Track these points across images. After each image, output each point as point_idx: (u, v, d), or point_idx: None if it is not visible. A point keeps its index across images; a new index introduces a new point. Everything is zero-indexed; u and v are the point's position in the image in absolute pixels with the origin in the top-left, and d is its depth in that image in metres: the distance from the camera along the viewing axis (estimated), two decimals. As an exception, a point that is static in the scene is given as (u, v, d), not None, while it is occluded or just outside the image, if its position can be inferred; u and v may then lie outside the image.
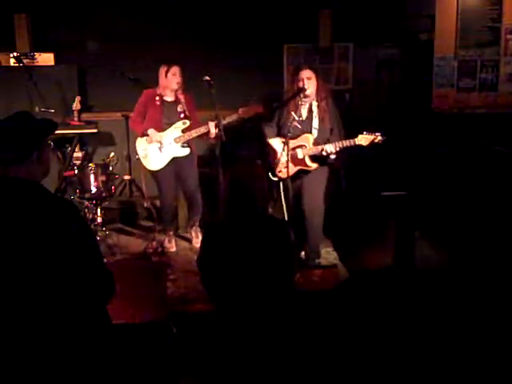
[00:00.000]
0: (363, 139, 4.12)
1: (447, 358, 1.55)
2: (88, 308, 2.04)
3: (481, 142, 5.65)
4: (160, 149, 4.85)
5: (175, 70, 4.78)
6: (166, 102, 4.88)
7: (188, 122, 4.85)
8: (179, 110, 4.88)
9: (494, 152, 5.41)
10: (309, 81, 4.23)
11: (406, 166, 5.84)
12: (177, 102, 4.89)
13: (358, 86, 6.73)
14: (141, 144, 4.92)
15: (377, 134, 4.11)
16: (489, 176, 5.14)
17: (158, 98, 4.83)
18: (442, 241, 4.66)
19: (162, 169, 4.90)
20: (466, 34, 6.35)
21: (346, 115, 4.47)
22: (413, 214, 4.36)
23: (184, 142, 4.88)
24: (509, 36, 6.39)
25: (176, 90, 4.85)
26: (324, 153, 4.22)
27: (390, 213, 1.72)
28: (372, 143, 4.12)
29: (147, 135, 4.86)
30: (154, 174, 4.98)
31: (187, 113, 4.88)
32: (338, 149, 4.19)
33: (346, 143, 4.18)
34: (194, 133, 4.81)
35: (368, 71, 6.77)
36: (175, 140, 4.85)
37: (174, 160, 4.90)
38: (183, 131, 4.85)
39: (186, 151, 4.91)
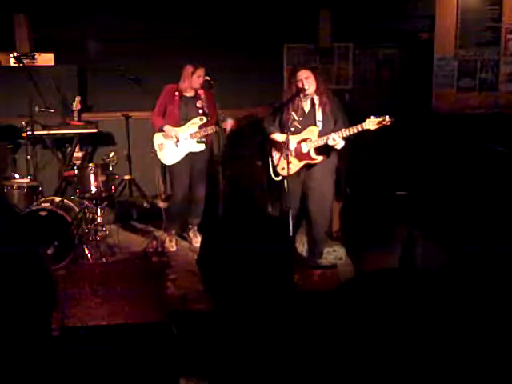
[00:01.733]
0: (370, 123, 4.08)
1: (448, 358, 1.54)
2: (22, 319, 1.94)
3: (482, 142, 5.65)
4: (176, 143, 4.87)
5: (201, 72, 4.81)
6: (185, 97, 4.89)
7: (205, 119, 4.88)
8: (198, 105, 4.90)
9: (494, 152, 5.41)
10: (307, 80, 4.23)
11: (406, 166, 5.84)
12: (197, 97, 4.91)
13: (358, 86, 6.73)
14: (157, 138, 4.94)
15: (385, 116, 4.08)
16: (489, 176, 5.14)
17: (177, 93, 4.86)
18: (442, 241, 4.66)
19: (177, 164, 4.92)
20: (466, 34, 6.35)
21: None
22: (413, 214, 4.36)
23: (200, 138, 4.90)
24: (509, 36, 6.39)
25: (197, 88, 4.89)
26: (330, 142, 4.19)
27: (401, 212, 1.72)
28: (381, 125, 4.07)
29: (163, 131, 4.88)
30: (169, 169, 5.02)
31: (206, 109, 4.90)
32: (344, 136, 4.15)
33: (353, 129, 4.13)
34: (210, 129, 4.85)
35: (368, 71, 6.77)
36: (191, 136, 4.87)
37: (189, 155, 4.93)
38: (200, 127, 4.88)
39: (201, 147, 4.93)
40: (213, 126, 4.83)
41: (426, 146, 6.08)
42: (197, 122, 4.89)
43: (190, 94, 4.90)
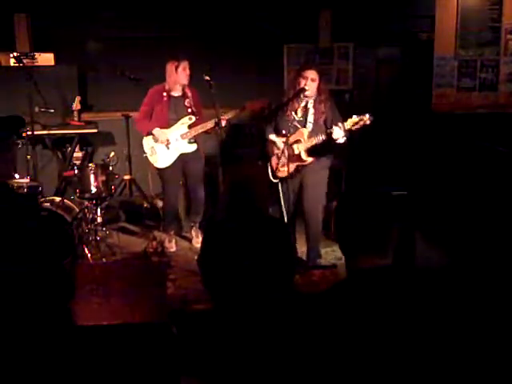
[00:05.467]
0: (350, 123, 4.08)
1: (447, 358, 1.54)
2: (45, 308, 2.01)
3: (482, 142, 5.65)
4: (167, 146, 4.84)
5: (185, 64, 4.75)
6: (173, 97, 4.84)
7: (194, 118, 4.82)
8: (186, 104, 4.84)
9: (494, 152, 5.41)
10: (312, 82, 4.22)
11: (406, 165, 5.84)
12: (184, 96, 4.86)
13: (358, 86, 6.73)
14: (147, 142, 4.90)
15: (364, 115, 4.06)
16: (489, 176, 5.13)
17: (165, 93, 4.81)
18: (442, 241, 4.66)
19: (169, 166, 4.88)
20: (466, 34, 6.35)
21: (346, 115, 4.48)
22: (413, 214, 4.36)
23: (191, 138, 4.86)
24: (509, 36, 6.39)
25: (184, 85, 4.84)
26: (318, 140, 4.19)
27: (397, 212, 1.70)
28: (361, 125, 4.05)
29: (152, 134, 4.85)
30: (160, 171, 4.96)
31: (194, 108, 4.85)
32: (333, 134, 4.14)
33: (323, 137, 4.16)
34: (200, 128, 4.78)
35: (368, 71, 6.77)
36: (182, 136, 4.83)
37: (181, 156, 4.89)
38: (189, 127, 4.83)
39: (194, 147, 4.89)
40: (203, 124, 4.76)
41: (425, 146, 6.08)
42: (186, 121, 4.83)
43: (177, 93, 4.85)
